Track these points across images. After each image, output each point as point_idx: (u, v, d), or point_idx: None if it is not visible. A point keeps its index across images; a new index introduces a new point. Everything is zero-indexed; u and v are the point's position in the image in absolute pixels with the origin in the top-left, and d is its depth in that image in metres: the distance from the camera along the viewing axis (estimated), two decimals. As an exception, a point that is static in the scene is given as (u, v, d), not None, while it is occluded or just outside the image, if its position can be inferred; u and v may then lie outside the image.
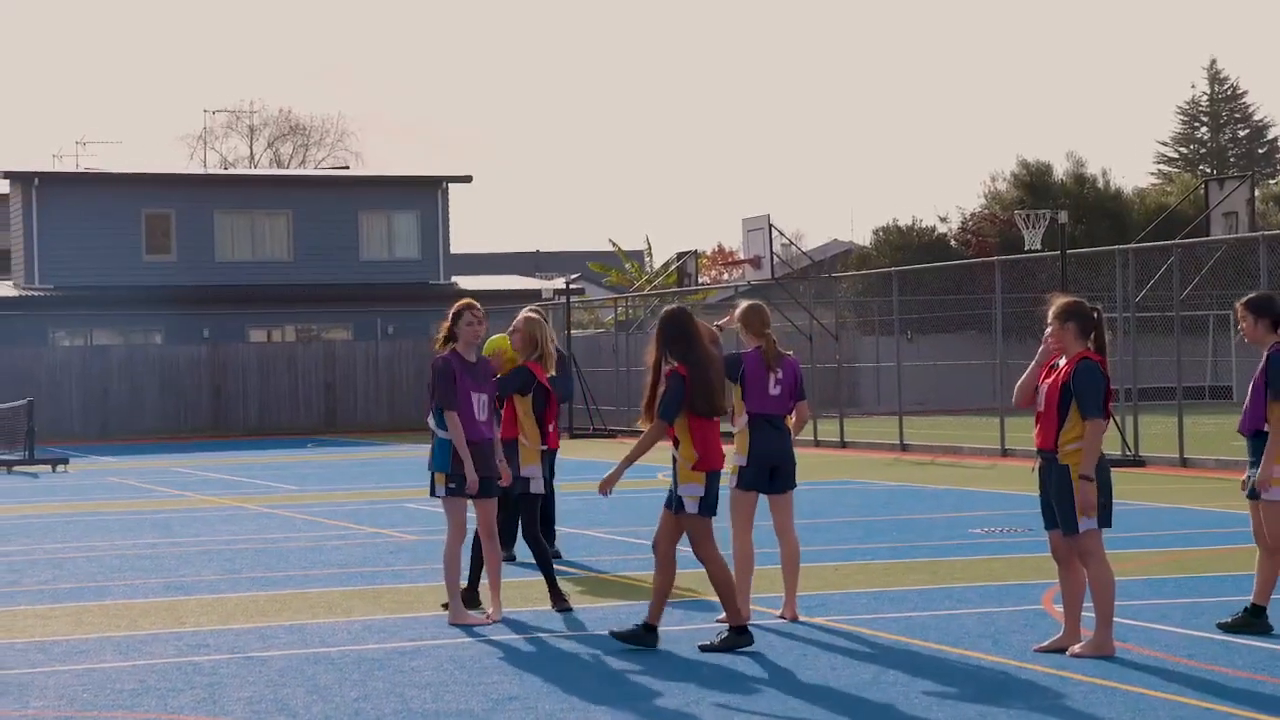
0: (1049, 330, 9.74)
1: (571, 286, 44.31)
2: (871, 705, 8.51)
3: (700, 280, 47.03)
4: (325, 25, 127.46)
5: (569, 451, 24.83)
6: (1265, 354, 10.15)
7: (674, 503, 10.24)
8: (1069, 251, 28.00)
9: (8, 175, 49.00)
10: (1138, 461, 25.78)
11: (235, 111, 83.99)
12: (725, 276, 65.29)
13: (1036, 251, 35.72)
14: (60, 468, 30.40)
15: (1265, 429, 10.07)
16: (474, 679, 9.38)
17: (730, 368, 10.87)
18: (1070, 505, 9.47)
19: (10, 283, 49.50)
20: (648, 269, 58.24)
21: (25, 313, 46.86)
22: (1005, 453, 27.73)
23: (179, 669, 9.95)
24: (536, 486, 12.16)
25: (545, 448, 12.54)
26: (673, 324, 10.23)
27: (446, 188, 51.97)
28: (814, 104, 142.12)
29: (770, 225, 33.94)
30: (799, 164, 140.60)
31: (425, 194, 51.66)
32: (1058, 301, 9.73)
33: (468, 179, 52.69)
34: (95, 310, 47.27)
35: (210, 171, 66.65)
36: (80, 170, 52.00)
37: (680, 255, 42.09)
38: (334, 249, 50.12)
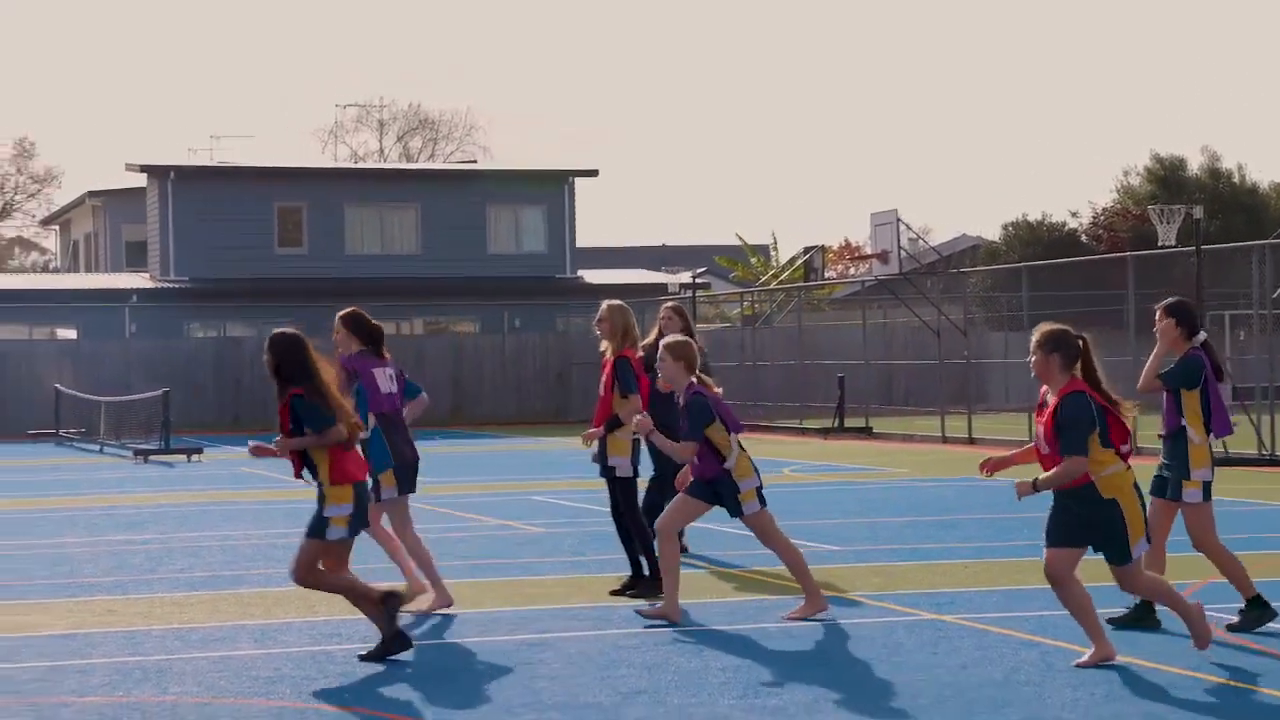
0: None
1: (698, 281, 44.34)
2: (1001, 704, 8.45)
3: (827, 275, 46.86)
4: (455, 21, 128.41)
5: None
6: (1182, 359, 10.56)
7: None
8: (1204, 247, 27.60)
9: (144, 169, 49.84)
10: (1274, 461, 25.35)
11: (366, 106, 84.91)
12: (852, 271, 64.99)
13: (1170, 247, 35.23)
14: (195, 457, 30.88)
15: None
16: (602, 672, 9.42)
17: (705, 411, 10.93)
18: (1124, 537, 9.12)
19: (146, 275, 50.35)
20: (774, 263, 58.11)
21: (161, 304, 47.64)
22: (1137, 450, 27.34)
23: (313, 658, 10.09)
24: (624, 472, 12.25)
25: (637, 435, 12.52)
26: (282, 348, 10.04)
27: (573, 182, 52.18)
28: (944, 98, 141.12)
29: (898, 220, 33.76)
30: (927, 158, 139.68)
31: (552, 188, 51.91)
32: (1040, 330, 9.26)
33: (594, 173, 52.87)
34: (228, 302, 47.99)
35: (341, 165, 67.38)
36: (215, 164, 52.77)
37: (807, 250, 41.97)
38: (461, 242, 50.50)
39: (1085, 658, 9.29)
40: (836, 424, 36.68)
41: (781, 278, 50.18)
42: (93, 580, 13.87)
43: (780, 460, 28.42)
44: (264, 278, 48.25)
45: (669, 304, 14.91)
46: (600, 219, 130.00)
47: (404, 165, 72.61)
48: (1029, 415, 31.07)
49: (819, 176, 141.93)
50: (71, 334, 46.81)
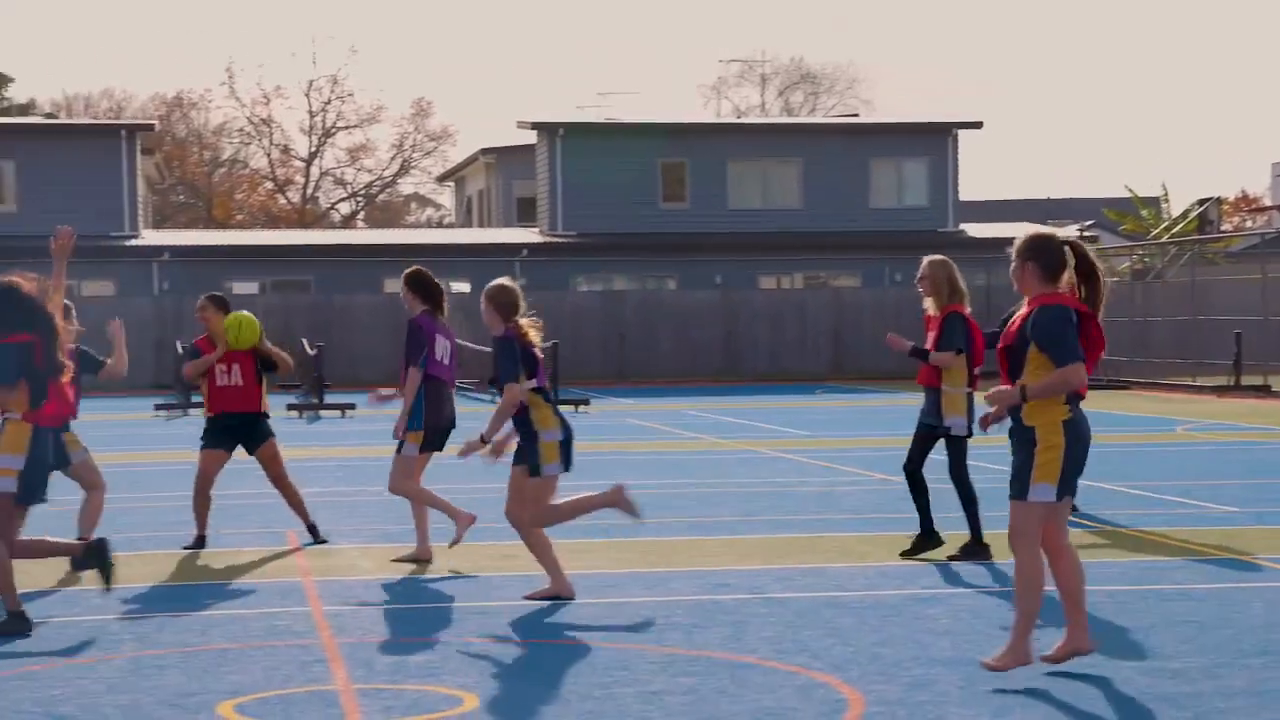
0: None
1: (1085, 234, 43.30)
2: None
3: (1222, 228, 45.19)
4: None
5: (1089, 403, 24.37)
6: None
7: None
8: None
9: (534, 126, 51.11)
10: None
11: (748, 61, 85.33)
12: (1249, 224, 62.54)
13: None
14: (582, 408, 31.63)
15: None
16: (992, 629, 9.33)
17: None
18: (1028, 468, 7.90)
19: (536, 229, 51.70)
20: (1164, 216, 56.34)
21: (549, 258, 48.86)
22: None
23: (702, 606, 10.25)
24: (958, 430, 12.03)
25: (969, 390, 12.28)
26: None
27: (957, 134, 51.47)
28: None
29: (1301, 170, 32.31)
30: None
31: (935, 140, 51.31)
32: (1021, 234, 8.22)
33: (979, 125, 52.04)
34: (613, 256, 48.92)
35: (724, 120, 67.86)
36: (601, 121, 53.76)
37: (1201, 202, 40.59)
38: (843, 197, 50.36)
39: (1051, 650, 8.17)
40: (1232, 382, 35.42)
41: (1174, 231, 48.62)
42: (491, 525, 14.33)
43: (1172, 418, 27.61)
44: (648, 232, 49.03)
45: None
46: (984, 172, 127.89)
47: (786, 120, 72.73)
48: None
49: (1213, 125, 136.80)
50: (465, 287, 48.39)
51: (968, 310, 12.24)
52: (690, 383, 43.59)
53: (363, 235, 63.68)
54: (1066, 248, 8.05)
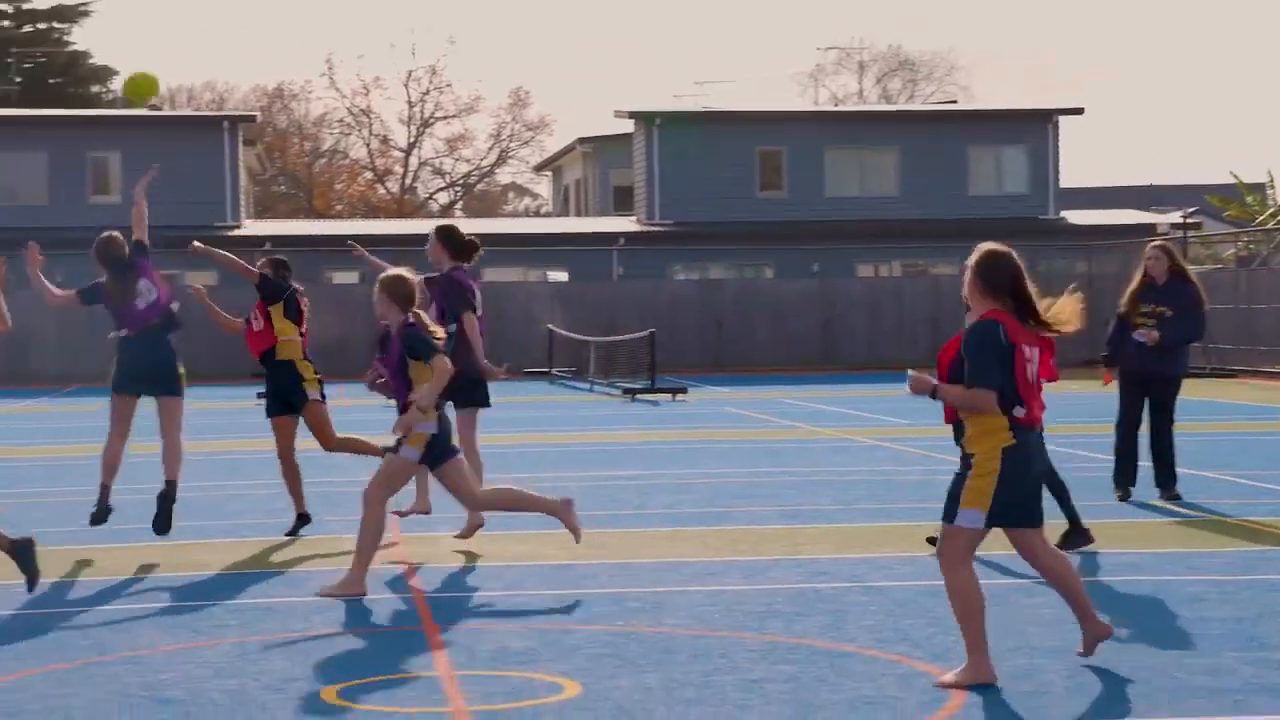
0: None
1: (1188, 221, 42.78)
2: None
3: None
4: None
5: (1193, 391, 24.10)
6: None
7: None
8: None
9: (631, 115, 51.16)
10: None
11: (846, 49, 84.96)
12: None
13: None
14: (679, 396, 31.63)
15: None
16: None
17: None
18: (958, 491, 7.69)
19: (633, 218, 51.75)
20: (1270, 202, 55.53)
21: (646, 247, 48.90)
22: None
23: (802, 594, 10.23)
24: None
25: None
26: None
27: (1057, 121, 51.01)
28: None
29: None
30: None
31: (1035, 127, 50.86)
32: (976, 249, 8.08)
33: (1079, 111, 51.56)
34: (710, 245, 48.88)
35: (820, 109, 67.60)
36: (698, 110, 53.71)
37: (1308, 188, 39.93)
38: (941, 184, 50.05)
39: (950, 676, 7.75)
40: (1340, 371, 34.88)
41: (1279, 217, 47.94)
42: (587, 513, 14.35)
43: (1278, 406, 27.24)
44: (745, 221, 48.95)
45: (1155, 244, 14.49)
46: (1085, 158, 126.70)
47: (884, 107, 72.35)
48: None
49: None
50: (563, 276, 48.54)
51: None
52: (787, 371, 43.47)
53: (460, 225, 63.95)
54: (1006, 260, 7.85)
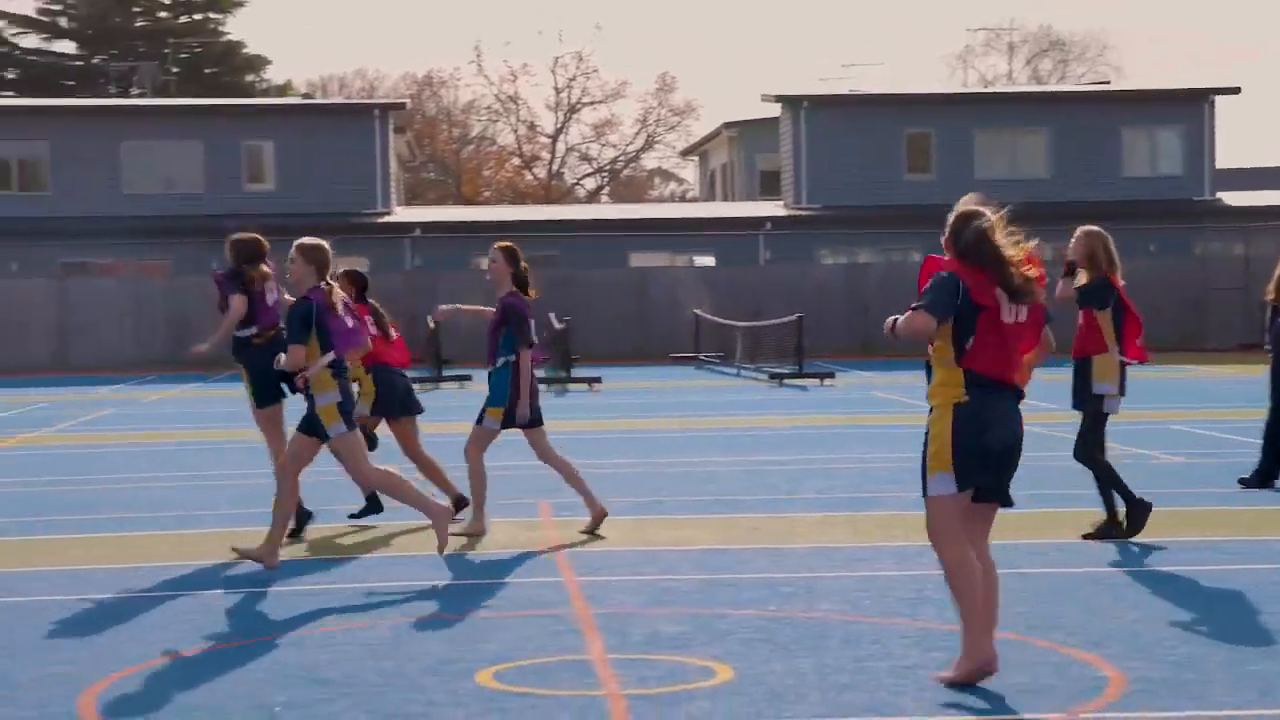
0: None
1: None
2: None
3: None
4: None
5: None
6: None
7: None
8: None
9: (779, 99, 51.00)
10: None
11: (995, 29, 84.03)
12: None
13: None
14: (827, 381, 31.51)
15: None
16: (1263, 606, 9.08)
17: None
18: (923, 462, 7.50)
19: (779, 203, 51.60)
20: None
21: (793, 231, 48.75)
22: None
23: (954, 581, 10.14)
24: (1110, 407, 11.76)
25: (1124, 359, 11.94)
26: None
27: (1213, 100, 50.09)
28: None
29: None
30: None
31: (1190, 107, 49.98)
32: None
33: (1236, 90, 50.60)
34: (857, 229, 48.61)
35: (969, 90, 66.94)
36: (845, 93, 53.41)
37: None
38: (1094, 166, 49.36)
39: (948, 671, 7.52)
40: None
41: None
42: (737, 498, 14.39)
43: None
44: (892, 205, 48.62)
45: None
46: (1243, 138, 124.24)
47: (1034, 88, 71.46)
48: None
49: None
50: (709, 260, 48.53)
51: (1120, 282, 12.07)
52: (936, 356, 42.99)
53: (607, 210, 64.23)
54: (973, 218, 7.46)
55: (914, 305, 7.39)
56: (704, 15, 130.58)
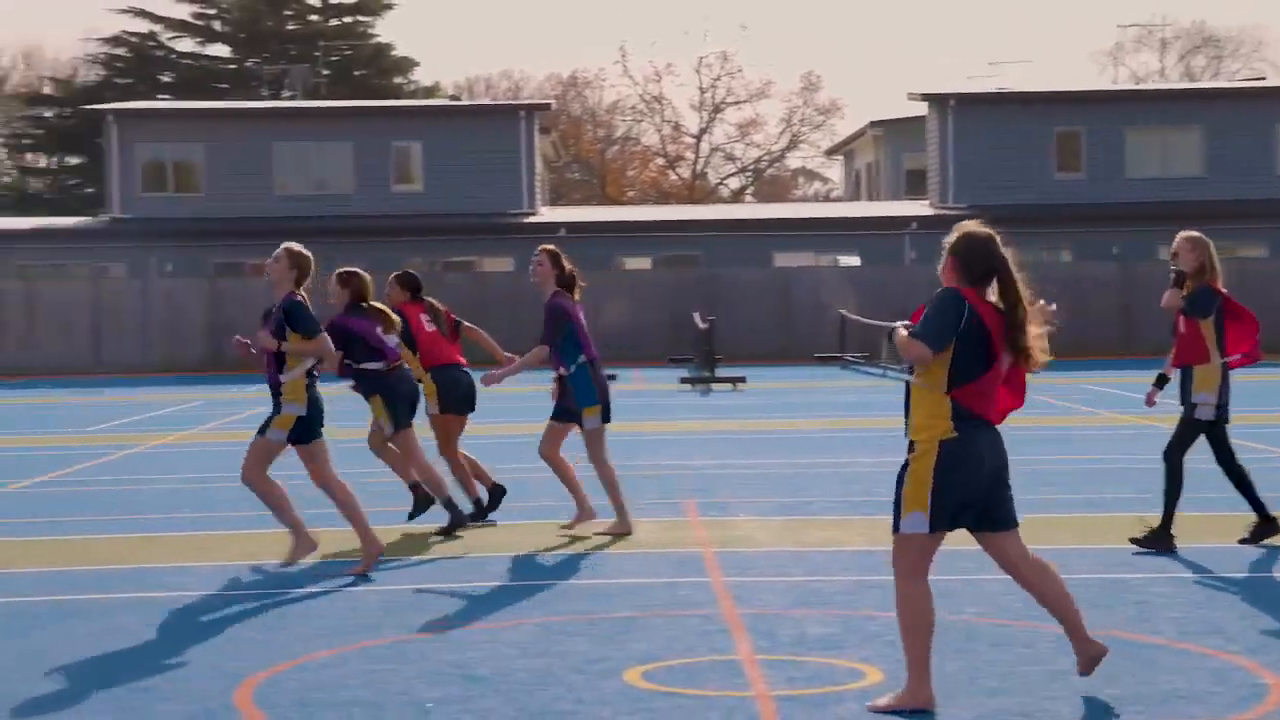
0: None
1: None
2: None
3: None
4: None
5: None
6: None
7: None
8: None
9: (925, 98, 50.64)
10: None
11: (1147, 26, 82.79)
12: None
13: None
14: (974, 382, 31.16)
15: None
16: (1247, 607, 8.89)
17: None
18: (898, 496, 7.22)
19: (925, 202, 51.22)
20: None
21: (940, 231, 47.19)
22: None
23: (1104, 585, 10.03)
24: (1202, 414, 11.50)
25: (1232, 360, 11.67)
26: None
27: (1373, 95, 49.04)
28: None
29: None
30: None
31: (1349, 103, 48.95)
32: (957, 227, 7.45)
33: (1397, 86, 49.49)
34: (1006, 228, 47.01)
35: (1120, 87, 66.04)
36: (993, 91, 52.90)
37: None
38: (1248, 163, 48.45)
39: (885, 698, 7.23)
40: None
41: None
42: (884, 499, 14.25)
43: None
44: (1042, 204, 48.07)
45: None
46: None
47: (1187, 85, 70.32)
48: None
49: None
50: (854, 260, 48.30)
51: (1221, 288, 11.81)
52: (1085, 356, 42.56)
53: (751, 210, 64.15)
54: (990, 242, 7.39)
55: (914, 332, 7.16)
56: (849, 14, 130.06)
